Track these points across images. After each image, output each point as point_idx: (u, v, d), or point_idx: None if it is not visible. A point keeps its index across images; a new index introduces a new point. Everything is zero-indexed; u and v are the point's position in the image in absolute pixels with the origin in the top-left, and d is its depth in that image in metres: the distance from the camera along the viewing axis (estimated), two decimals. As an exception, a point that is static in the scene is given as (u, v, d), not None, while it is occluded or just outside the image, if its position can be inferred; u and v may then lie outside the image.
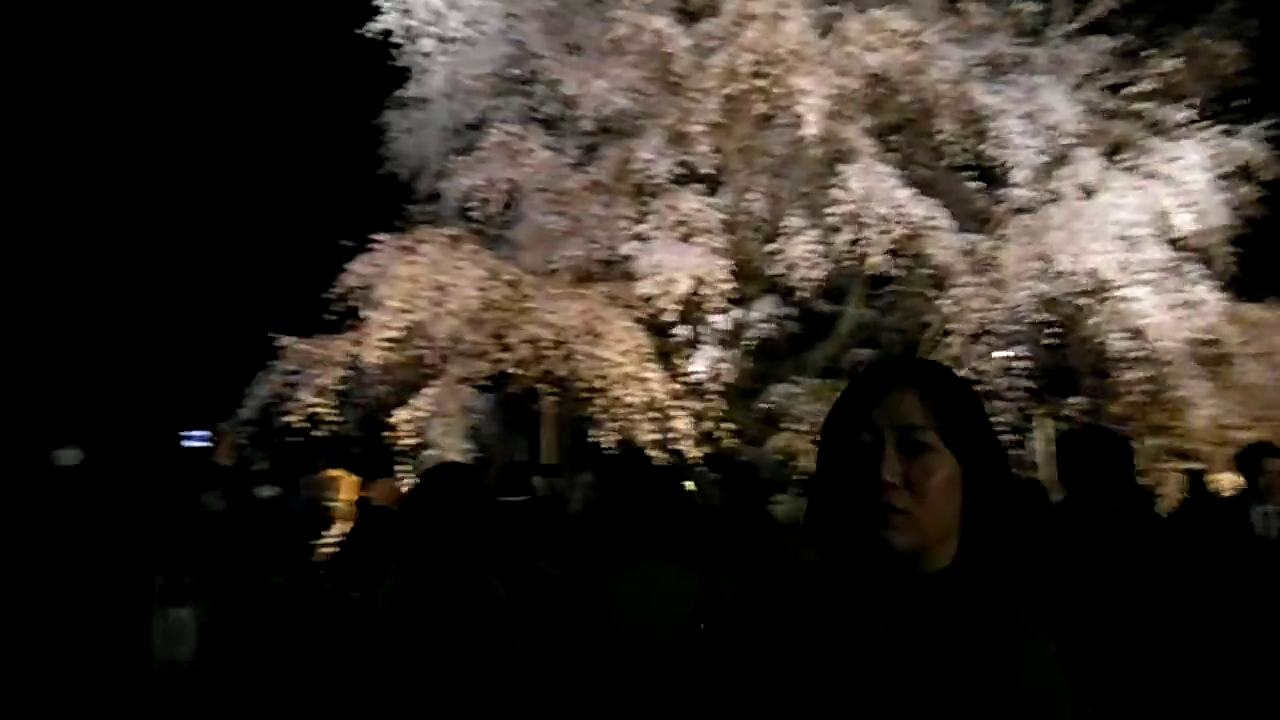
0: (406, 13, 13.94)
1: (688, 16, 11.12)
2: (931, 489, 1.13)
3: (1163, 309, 10.03)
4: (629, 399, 9.41)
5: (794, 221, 10.75)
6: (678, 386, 9.72)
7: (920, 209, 10.44)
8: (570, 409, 10.12)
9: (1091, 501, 2.34)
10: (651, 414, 9.71)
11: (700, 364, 10.95)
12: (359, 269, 9.44)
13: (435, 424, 9.62)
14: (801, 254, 10.40)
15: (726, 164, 11.08)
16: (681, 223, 9.93)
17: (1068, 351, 11.09)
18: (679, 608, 2.09)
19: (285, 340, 10.20)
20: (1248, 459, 3.36)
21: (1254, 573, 2.77)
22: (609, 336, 9.08)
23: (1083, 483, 2.38)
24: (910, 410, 1.15)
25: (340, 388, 10.15)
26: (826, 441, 1.23)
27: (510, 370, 9.65)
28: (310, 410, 9.95)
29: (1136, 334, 10.34)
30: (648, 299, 9.57)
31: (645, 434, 9.66)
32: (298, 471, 9.32)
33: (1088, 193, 10.55)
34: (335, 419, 10.15)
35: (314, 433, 10.32)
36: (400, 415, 9.90)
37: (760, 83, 10.23)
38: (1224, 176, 10.62)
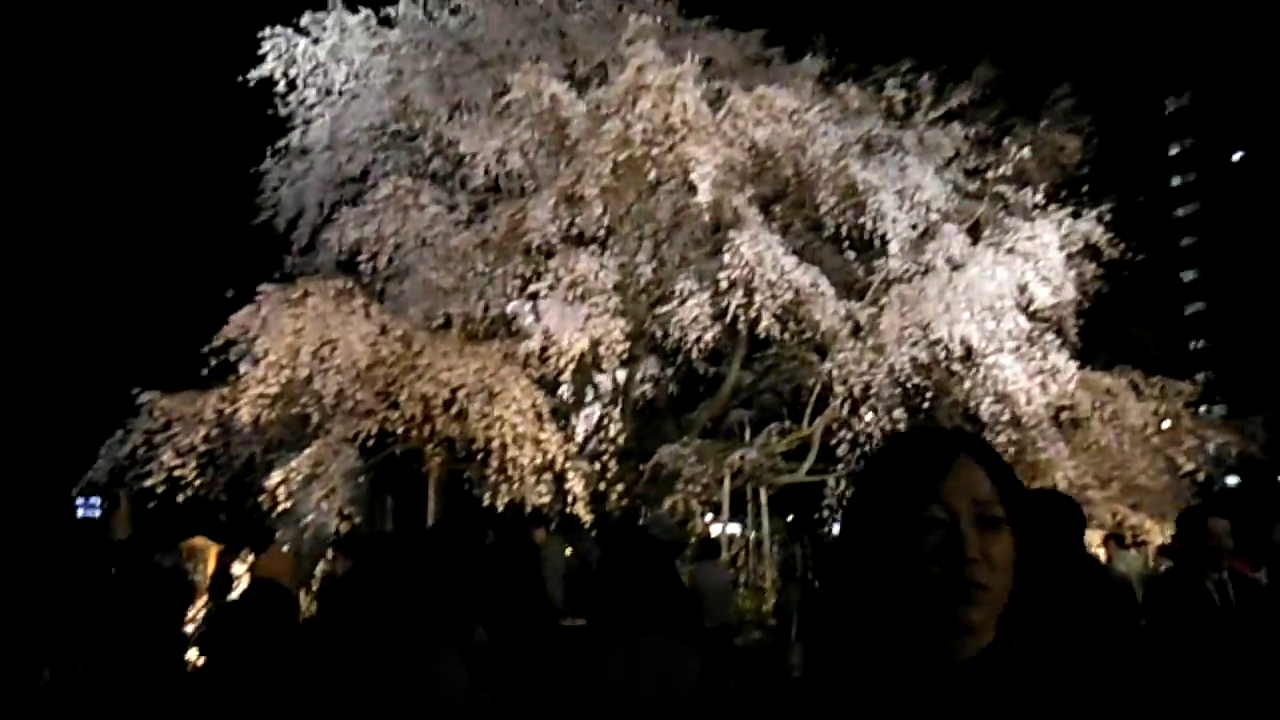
0: (290, 62, 13.67)
1: (577, 84, 11.32)
2: (1004, 564, 1.15)
3: (1026, 376, 10.73)
4: (522, 460, 9.20)
5: (684, 285, 10.96)
6: (570, 447, 9.59)
7: (805, 276, 10.86)
8: (453, 470, 9.77)
9: (1045, 564, 2.41)
10: (544, 475, 9.52)
11: (586, 424, 10.87)
12: (241, 320, 8.91)
13: (313, 487, 9.09)
14: (693, 317, 10.59)
15: (616, 227, 11.21)
16: (575, 283, 9.93)
17: (937, 415, 11.66)
18: (679, 684, 1.99)
19: (146, 395, 9.47)
20: (1190, 522, 3.38)
21: (1219, 639, 2.83)
22: (505, 395, 8.88)
23: (1037, 546, 2.43)
24: (981, 485, 1.15)
25: (206, 448, 9.48)
26: (878, 518, 1.19)
27: (397, 429, 9.27)
28: (172, 472, 9.23)
29: (1002, 399, 11.01)
30: (543, 358, 9.47)
31: (538, 496, 9.45)
32: (158, 541, 8.56)
33: (955, 266, 11.26)
34: (199, 482, 9.45)
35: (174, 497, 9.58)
36: (274, 478, 9.31)
37: (652, 150, 10.47)
38: (1071, 255, 11.58)
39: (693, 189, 10.65)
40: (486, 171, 10.56)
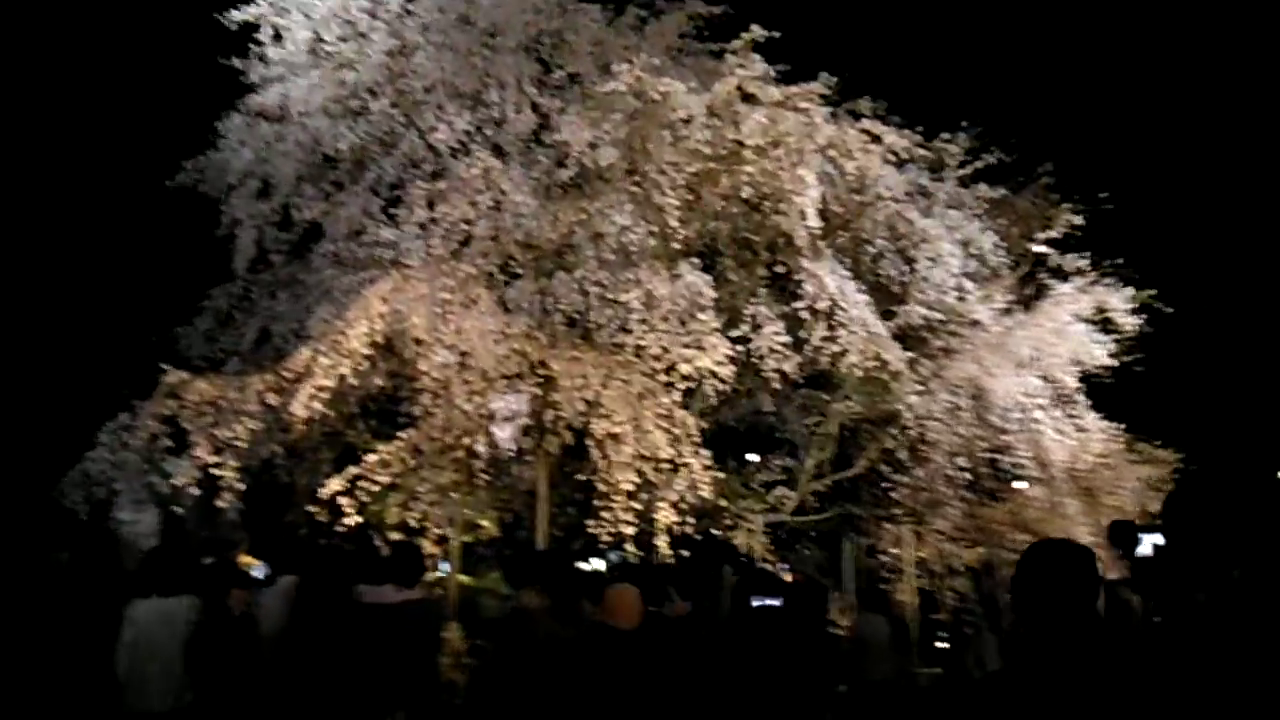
0: (281, 11, 12.06)
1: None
2: None
3: (1065, 434, 11.09)
4: (624, 485, 8.23)
5: (755, 311, 10.44)
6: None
7: (870, 315, 10.70)
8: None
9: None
10: (633, 502, 8.59)
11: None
12: (378, 297, 7.37)
13: (392, 499, 7.67)
14: (771, 345, 10.08)
15: (691, 244, 10.53)
16: (678, 299, 9.15)
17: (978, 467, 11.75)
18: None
19: (173, 375, 7.65)
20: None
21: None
22: (648, 413, 7.91)
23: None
24: None
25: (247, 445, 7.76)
26: None
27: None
28: (206, 470, 7.48)
29: (1035, 456, 11.31)
30: (657, 376, 8.58)
31: (625, 526, 8.50)
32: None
33: (1003, 322, 11.53)
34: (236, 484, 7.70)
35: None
36: (332, 485, 7.74)
37: (746, 167, 9.97)
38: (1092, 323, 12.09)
39: (774, 213, 10.29)
40: (578, 161, 9.55)
